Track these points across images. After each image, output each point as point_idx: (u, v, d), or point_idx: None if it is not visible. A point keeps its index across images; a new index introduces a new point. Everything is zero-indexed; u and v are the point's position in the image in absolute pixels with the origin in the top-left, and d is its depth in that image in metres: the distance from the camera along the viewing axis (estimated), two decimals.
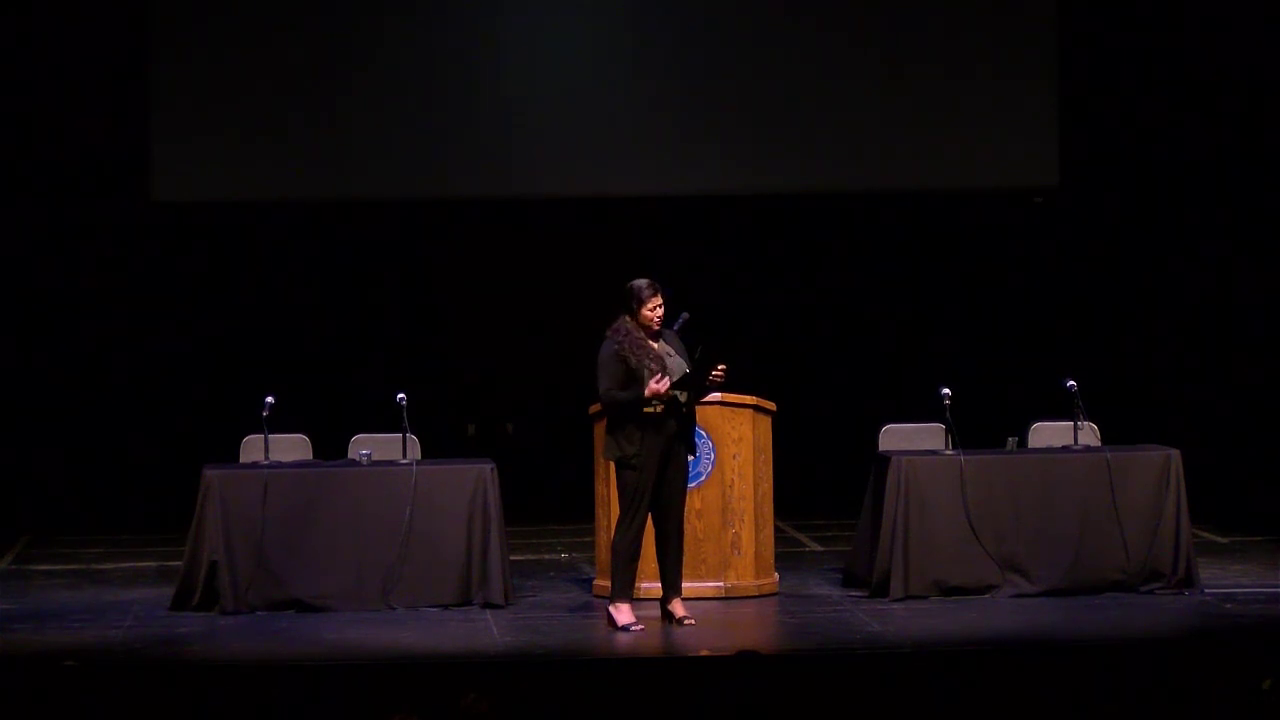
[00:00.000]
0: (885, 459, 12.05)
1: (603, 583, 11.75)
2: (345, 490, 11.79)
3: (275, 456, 11.95)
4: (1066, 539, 11.93)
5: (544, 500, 15.61)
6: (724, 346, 11.05)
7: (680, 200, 16.63)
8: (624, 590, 11.08)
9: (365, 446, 12.07)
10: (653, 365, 10.90)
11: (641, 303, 10.98)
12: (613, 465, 11.21)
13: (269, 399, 11.81)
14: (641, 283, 11.03)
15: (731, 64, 16.39)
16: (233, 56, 16.08)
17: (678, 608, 11.16)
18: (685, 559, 11.31)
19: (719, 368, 10.95)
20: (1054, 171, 16.59)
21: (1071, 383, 12.12)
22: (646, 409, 10.91)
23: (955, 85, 16.45)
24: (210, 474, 11.76)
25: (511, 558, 12.07)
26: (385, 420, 12.34)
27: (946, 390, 11.99)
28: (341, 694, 9.54)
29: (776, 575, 12.13)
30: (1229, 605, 11.64)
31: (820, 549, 14.11)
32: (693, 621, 11.10)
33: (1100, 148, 16.86)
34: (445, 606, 11.68)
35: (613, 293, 11.17)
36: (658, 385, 10.82)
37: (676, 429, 11.00)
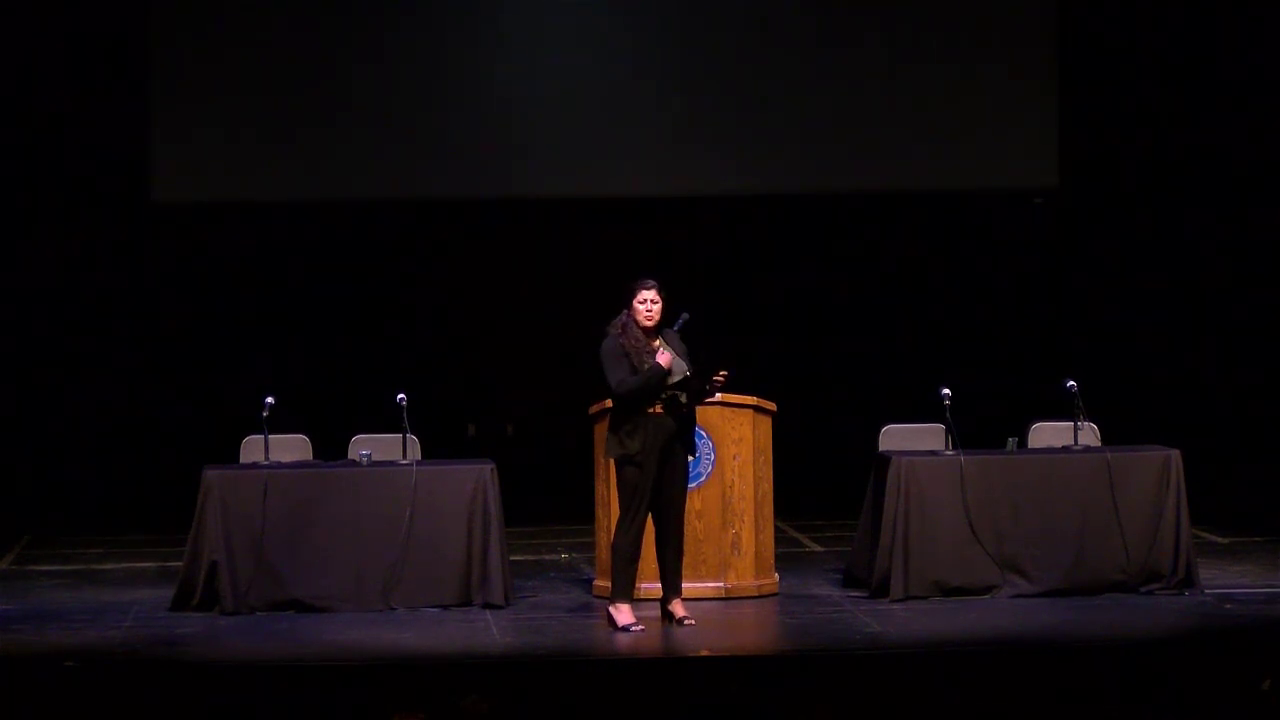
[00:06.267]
0: (885, 459, 12.05)
1: (603, 583, 11.76)
2: (345, 491, 11.79)
3: (275, 457, 11.95)
4: (1066, 539, 11.93)
5: (544, 500, 15.61)
6: (726, 353, 11.06)
7: (680, 200, 16.63)
8: (624, 590, 11.08)
9: (365, 447, 12.06)
10: (651, 365, 10.91)
11: (634, 293, 10.99)
12: (613, 465, 11.21)
13: (269, 399, 11.81)
14: (642, 278, 11.05)
15: (731, 64, 16.40)
16: (233, 56, 16.10)
17: (678, 608, 11.16)
18: (685, 559, 11.31)
19: (721, 373, 10.97)
20: (1054, 171, 16.61)
21: (1071, 383, 12.12)
22: (649, 408, 10.91)
23: (955, 85, 16.46)
24: (210, 474, 11.75)
25: (511, 558, 12.07)
26: (385, 420, 12.34)
27: (946, 390, 11.99)
28: (341, 694, 9.55)
29: (776, 575, 12.13)
30: (1229, 605, 11.63)
31: (820, 549, 14.11)
32: (693, 622, 11.10)
33: (1100, 148, 16.87)
34: (445, 607, 11.68)
35: (613, 293, 11.18)
36: (663, 357, 10.83)
37: (676, 429, 11.01)
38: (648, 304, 11.00)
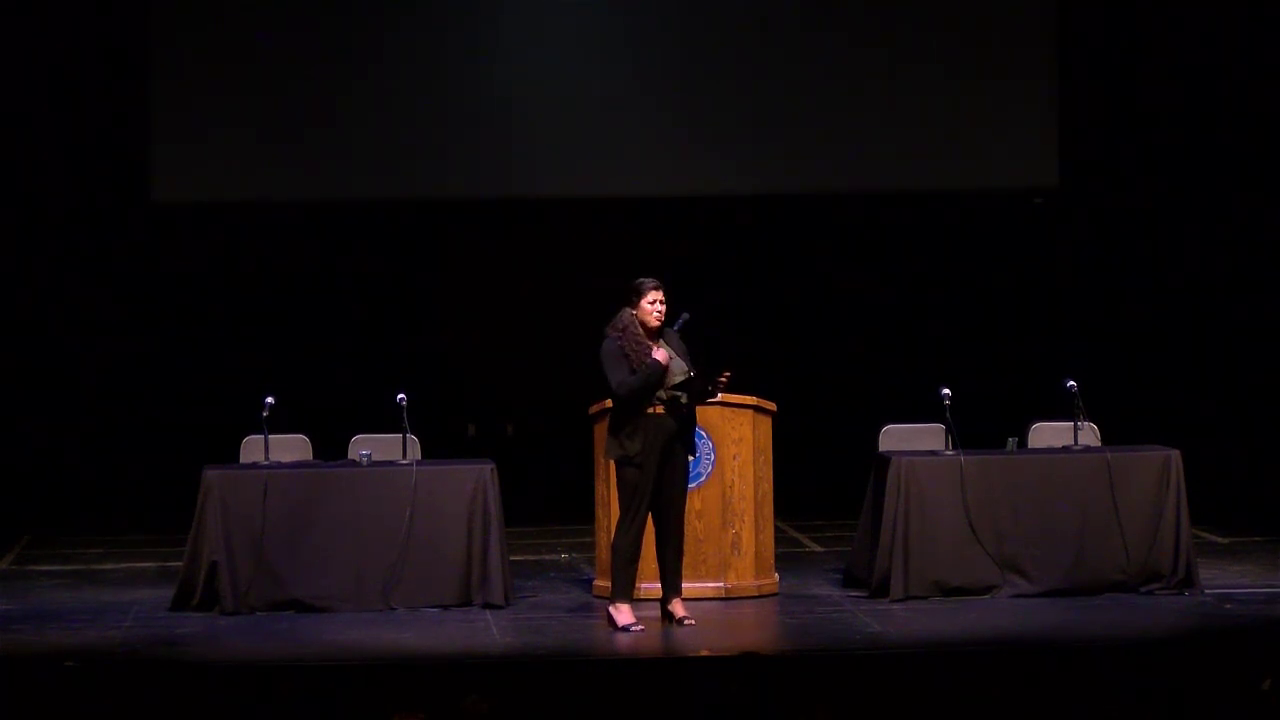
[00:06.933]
0: (885, 459, 12.05)
1: (603, 583, 11.76)
2: (345, 491, 11.79)
3: (275, 457, 11.95)
4: (1066, 539, 11.93)
5: (544, 500, 15.61)
6: (728, 354, 11.06)
7: (680, 200, 16.63)
8: (624, 591, 11.08)
9: (365, 447, 12.07)
10: (649, 363, 10.91)
11: (640, 295, 10.99)
12: (613, 465, 11.21)
13: (269, 399, 11.81)
14: (645, 278, 11.06)
15: (731, 64, 16.40)
16: (233, 56, 16.10)
17: (678, 608, 11.16)
18: (685, 559, 11.31)
19: (724, 374, 10.97)
20: (1054, 171, 16.60)
21: (1071, 383, 12.12)
22: (650, 409, 10.92)
23: (955, 85, 16.46)
24: (210, 474, 11.75)
25: (511, 558, 12.07)
26: (385, 420, 12.34)
27: (946, 390, 11.99)
28: (341, 694, 9.55)
29: (776, 575, 12.13)
30: (1229, 605, 11.64)
31: (820, 549, 14.11)
32: (693, 622, 11.10)
33: (1100, 148, 16.86)
34: (445, 607, 11.68)
35: (613, 293, 11.18)
36: (659, 353, 10.84)
37: (676, 429, 11.01)
38: (657, 304, 11.00)
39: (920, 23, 16.47)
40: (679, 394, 10.97)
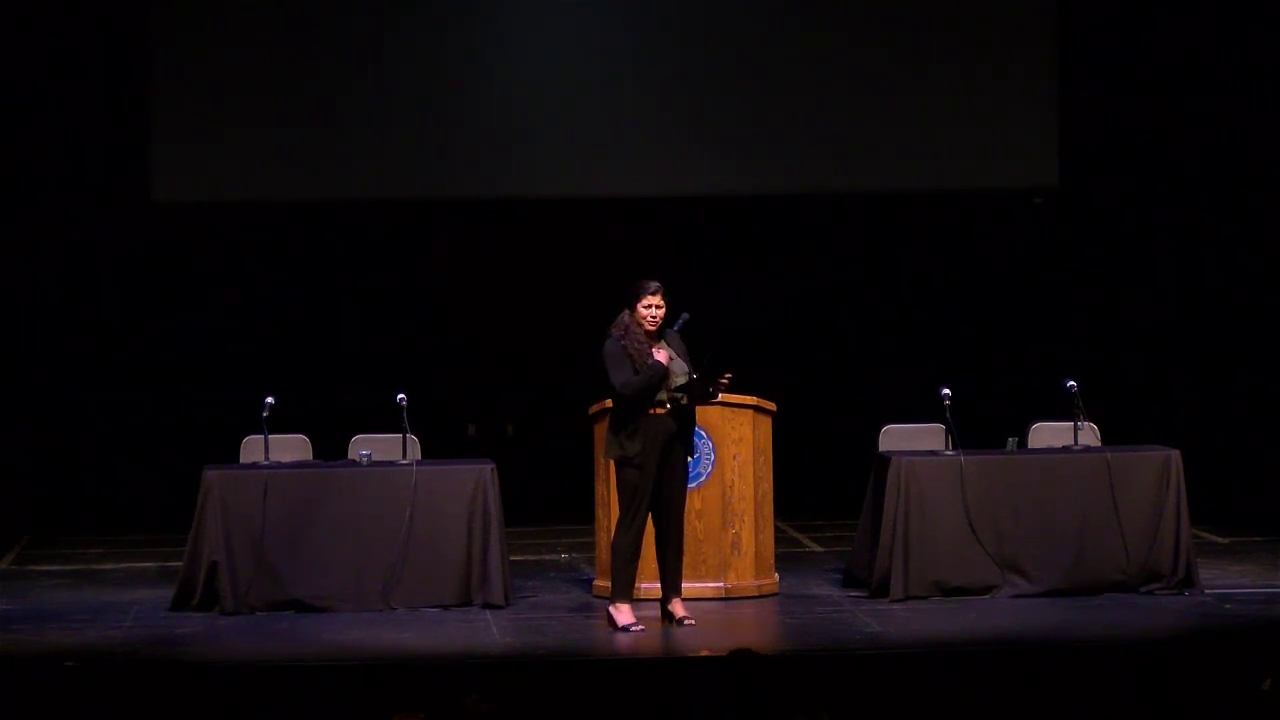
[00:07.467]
0: (885, 459, 12.05)
1: (603, 583, 11.76)
2: (345, 491, 11.79)
3: (275, 457, 11.96)
4: (1066, 539, 11.94)
5: (544, 500, 15.61)
6: (729, 353, 11.06)
7: (680, 200, 16.63)
8: (624, 590, 11.09)
9: (365, 447, 12.07)
10: (651, 363, 10.91)
11: (638, 298, 10.98)
12: (613, 465, 11.21)
13: (269, 399, 11.82)
14: (645, 281, 11.05)
15: (731, 64, 16.39)
16: (233, 56, 16.08)
17: (677, 608, 11.16)
18: (685, 559, 11.31)
19: (724, 376, 10.97)
20: (1054, 171, 16.59)
21: (1071, 383, 12.13)
22: (651, 410, 10.92)
23: (955, 85, 16.44)
24: (210, 474, 11.76)
25: (511, 558, 12.08)
26: (385, 420, 12.34)
27: (946, 390, 11.99)
28: (341, 694, 9.55)
29: (776, 575, 12.13)
30: (1229, 605, 11.64)
31: (820, 549, 14.11)
32: (693, 622, 11.10)
33: (1100, 148, 16.86)
34: (445, 607, 11.69)
35: (612, 293, 11.18)
36: (660, 354, 10.85)
37: (676, 429, 11.01)
38: (653, 309, 10.99)
39: (920, 23, 16.46)
40: (680, 395, 10.98)
